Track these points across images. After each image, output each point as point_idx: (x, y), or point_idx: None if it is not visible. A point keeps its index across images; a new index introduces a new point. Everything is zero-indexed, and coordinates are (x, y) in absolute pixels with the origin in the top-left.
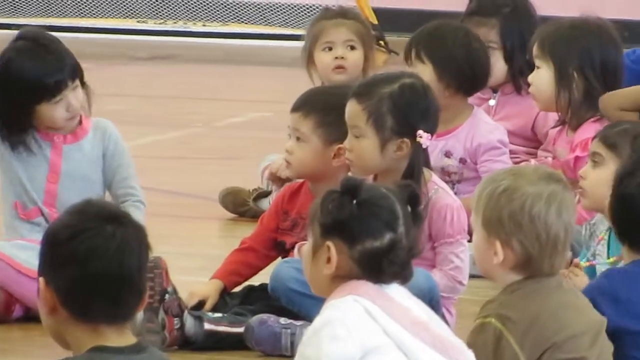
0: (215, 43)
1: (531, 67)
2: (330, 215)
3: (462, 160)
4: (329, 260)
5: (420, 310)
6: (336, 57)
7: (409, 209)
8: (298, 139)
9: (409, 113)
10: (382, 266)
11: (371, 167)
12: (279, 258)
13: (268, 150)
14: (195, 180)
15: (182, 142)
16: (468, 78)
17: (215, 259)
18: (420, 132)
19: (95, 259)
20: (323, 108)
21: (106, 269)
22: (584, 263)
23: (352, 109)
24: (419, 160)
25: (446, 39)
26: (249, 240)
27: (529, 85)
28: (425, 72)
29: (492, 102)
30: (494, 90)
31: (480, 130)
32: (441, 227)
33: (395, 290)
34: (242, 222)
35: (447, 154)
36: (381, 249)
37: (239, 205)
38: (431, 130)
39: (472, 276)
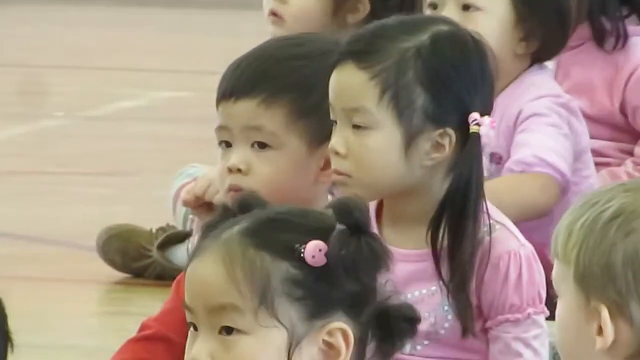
0: None
1: None
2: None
3: (495, 158)
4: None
5: None
6: None
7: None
8: (259, 145)
9: (453, 82)
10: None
11: (385, 183)
12: None
13: (184, 158)
14: (51, 213)
15: (28, 145)
16: (559, 21)
17: (92, 354)
18: (475, 115)
19: None
20: (297, 84)
21: None
22: None
23: (350, 81)
24: (476, 165)
25: None
26: (155, 322)
27: (618, 33)
28: (493, 8)
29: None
30: None
31: (528, 94)
32: (500, 293)
33: None
34: (140, 287)
35: None
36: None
37: (134, 257)
38: (488, 111)
39: None
